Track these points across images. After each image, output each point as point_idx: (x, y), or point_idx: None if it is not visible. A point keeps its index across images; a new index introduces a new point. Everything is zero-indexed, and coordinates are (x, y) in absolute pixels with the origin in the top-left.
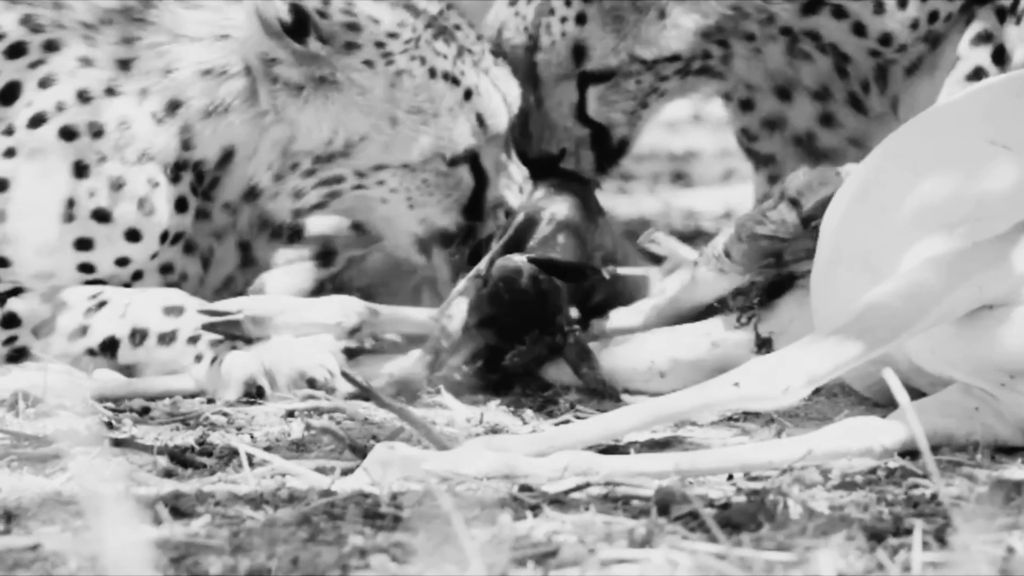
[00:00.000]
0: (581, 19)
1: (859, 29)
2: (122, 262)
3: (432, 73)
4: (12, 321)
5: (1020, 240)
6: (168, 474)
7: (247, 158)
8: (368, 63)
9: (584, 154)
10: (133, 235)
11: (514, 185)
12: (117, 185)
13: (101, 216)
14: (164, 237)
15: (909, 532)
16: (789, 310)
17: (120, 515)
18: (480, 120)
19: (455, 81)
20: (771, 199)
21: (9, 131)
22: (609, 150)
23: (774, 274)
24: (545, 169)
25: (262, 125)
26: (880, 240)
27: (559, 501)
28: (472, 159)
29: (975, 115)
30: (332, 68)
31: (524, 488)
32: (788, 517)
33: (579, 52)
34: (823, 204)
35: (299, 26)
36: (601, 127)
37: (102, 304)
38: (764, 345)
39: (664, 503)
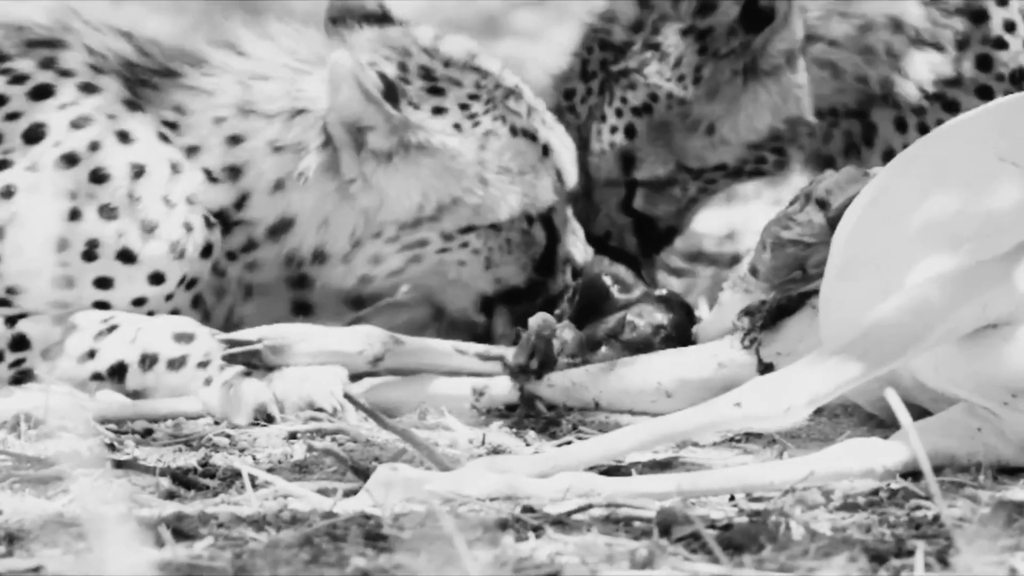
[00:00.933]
0: (630, 132)
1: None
2: (139, 302)
3: (514, 131)
4: (22, 343)
5: (1023, 258)
6: (170, 496)
7: (312, 228)
8: (457, 126)
9: (629, 239)
10: (157, 278)
11: (579, 242)
12: (149, 227)
13: (127, 257)
14: (182, 280)
15: (911, 553)
16: (798, 330)
17: (122, 537)
18: (559, 175)
19: (533, 138)
20: (797, 202)
21: (35, 168)
22: (655, 237)
23: (798, 290)
24: (594, 248)
25: (347, 194)
26: (889, 254)
27: (561, 522)
28: (547, 217)
29: (986, 132)
30: (427, 133)
31: (526, 509)
32: (790, 538)
33: (628, 162)
34: (849, 203)
35: (390, 93)
36: (648, 217)
37: (113, 328)
38: (767, 370)
39: (666, 524)
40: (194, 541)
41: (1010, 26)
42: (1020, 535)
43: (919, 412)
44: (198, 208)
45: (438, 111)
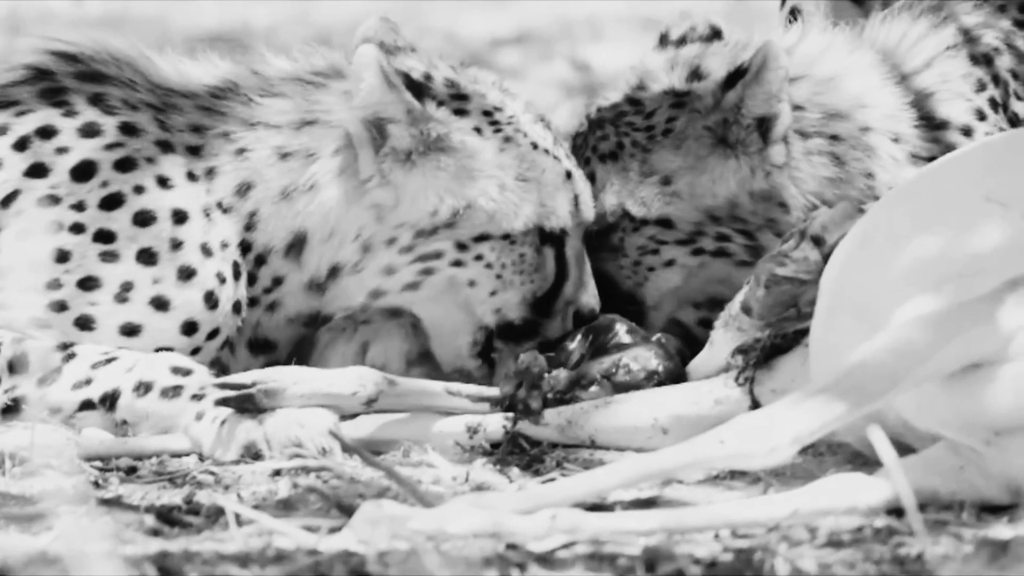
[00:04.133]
0: (591, 178)
1: None
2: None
3: (535, 145)
4: (20, 366)
5: (1007, 298)
6: (155, 533)
7: (323, 240)
8: (477, 130)
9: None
10: (190, 328)
11: (591, 287)
12: (187, 274)
13: (159, 304)
14: (213, 334)
15: None
16: (792, 368)
17: (107, 574)
18: (576, 201)
19: (556, 158)
20: (792, 240)
21: (81, 207)
22: (618, 295)
23: (792, 328)
24: None
25: (360, 193)
26: (875, 294)
27: (546, 559)
28: (559, 246)
29: (973, 171)
30: (447, 128)
31: (511, 546)
32: (775, 575)
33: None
34: None
35: (413, 89)
36: (605, 276)
37: (111, 360)
38: (759, 408)
39: (651, 561)
40: None
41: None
42: (1003, 572)
43: (906, 451)
44: (226, 254)
45: (460, 112)
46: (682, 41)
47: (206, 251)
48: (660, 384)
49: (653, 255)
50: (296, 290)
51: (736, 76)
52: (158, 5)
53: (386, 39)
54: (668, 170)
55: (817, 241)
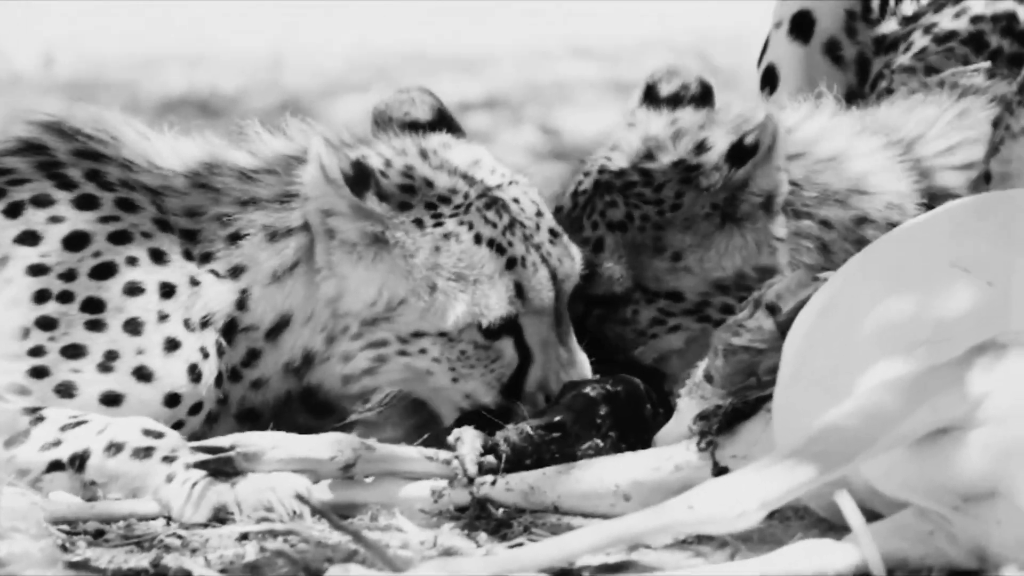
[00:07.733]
0: (598, 246)
1: None
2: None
3: (478, 239)
4: None
5: (975, 363)
6: None
7: (302, 323)
8: (418, 222)
9: None
10: (172, 400)
11: (574, 366)
12: (172, 345)
13: (143, 375)
14: (196, 409)
15: None
16: (753, 433)
17: None
18: (519, 290)
19: (500, 249)
20: (747, 309)
21: (71, 276)
22: (620, 360)
23: (753, 396)
24: None
25: (315, 282)
26: (841, 359)
27: None
28: (515, 333)
29: (938, 236)
30: (384, 226)
31: None
32: None
33: (587, 276)
34: (800, 308)
35: (359, 181)
36: (600, 341)
37: (81, 423)
38: (722, 473)
39: None
40: None
41: None
42: None
43: (873, 518)
44: (212, 330)
45: (404, 206)
46: (676, 100)
47: (188, 327)
48: (615, 408)
49: (660, 325)
50: (276, 371)
51: (740, 150)
52: (127, 70)
53: (393, 112)
54: (678, 247)
55: (772, 310)
